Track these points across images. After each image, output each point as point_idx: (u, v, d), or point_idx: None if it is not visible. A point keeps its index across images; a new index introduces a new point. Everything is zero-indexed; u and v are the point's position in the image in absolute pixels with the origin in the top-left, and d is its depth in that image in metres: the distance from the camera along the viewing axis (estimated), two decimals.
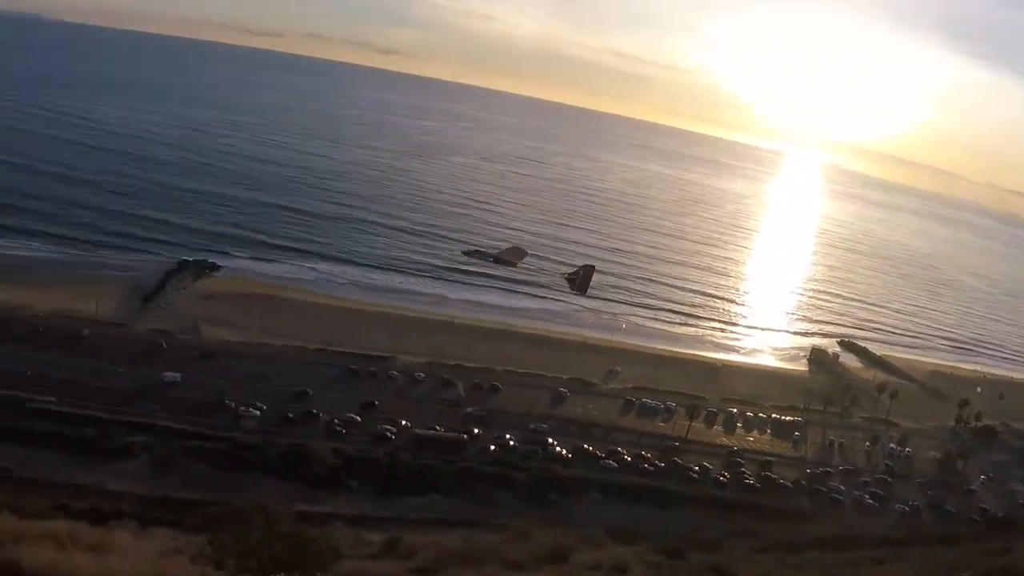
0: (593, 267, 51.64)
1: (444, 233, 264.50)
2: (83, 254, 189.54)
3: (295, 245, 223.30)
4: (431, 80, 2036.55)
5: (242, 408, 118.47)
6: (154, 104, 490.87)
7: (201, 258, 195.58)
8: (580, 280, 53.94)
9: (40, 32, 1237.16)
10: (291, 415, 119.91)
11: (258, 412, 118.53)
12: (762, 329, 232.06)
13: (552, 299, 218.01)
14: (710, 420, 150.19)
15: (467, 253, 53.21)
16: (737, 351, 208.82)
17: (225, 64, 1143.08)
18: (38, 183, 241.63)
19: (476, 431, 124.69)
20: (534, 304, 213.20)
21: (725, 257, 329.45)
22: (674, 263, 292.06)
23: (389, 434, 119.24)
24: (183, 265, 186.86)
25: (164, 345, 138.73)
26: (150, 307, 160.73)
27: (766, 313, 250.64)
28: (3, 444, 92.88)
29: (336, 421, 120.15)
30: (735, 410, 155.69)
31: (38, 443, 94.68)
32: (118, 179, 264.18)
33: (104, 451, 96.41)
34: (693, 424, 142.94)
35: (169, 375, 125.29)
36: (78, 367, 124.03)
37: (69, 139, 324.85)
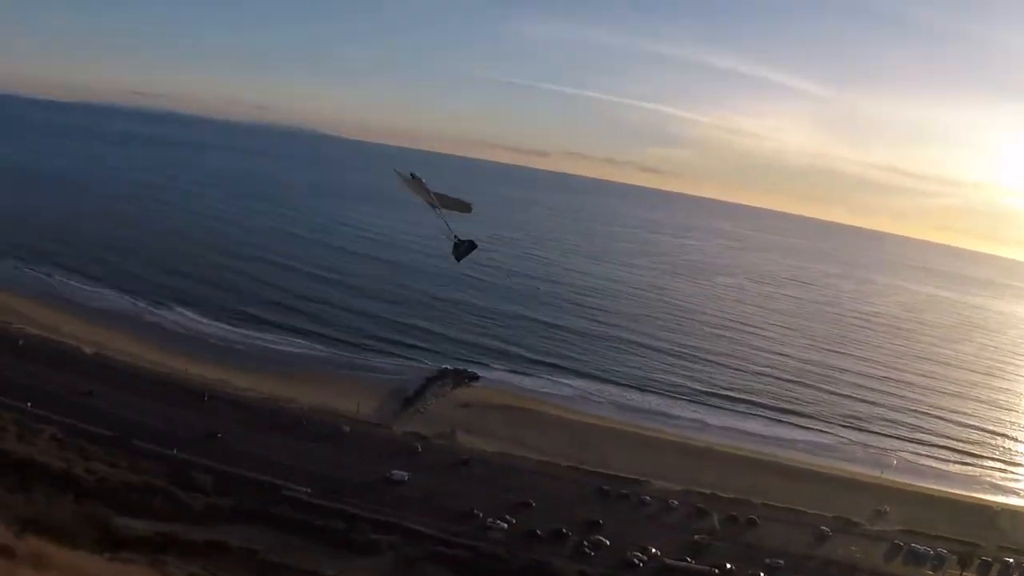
0: (476, 246, 50.69)
1: (705, 356, 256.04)
2: (349, 355, 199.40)
3: (553, 360, 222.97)
4: (695, 198, 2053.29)
5: (490, 519, 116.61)
6: (421, 216, 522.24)
7: (462, 367, 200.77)
8: (463, 249, 52.31)
9: (313, 145, 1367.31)
10: (539, 531, 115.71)
11: (505, 525, 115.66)
12: None
13: (819, 431, 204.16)
14: (984, 570, 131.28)
15: (410, 175, 48.19)
16: (1018, 494, 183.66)
17: (491, 180, 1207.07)
18: (310, 286, 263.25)
19: (728, 566, 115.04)
20: (799, 435, 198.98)
21: (1007, 389, 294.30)
22: (950, 395, 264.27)
23: (638, 561, 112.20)
24: (444, 373, 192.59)
25: (419, 449, 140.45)
26: (409, 411, 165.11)
27: None
28: (256, 527, 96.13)
29: (584, 542, 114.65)
30: (1012, 560, 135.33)
31: (289, 530, 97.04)
32: (384, 286, 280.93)
33: (351, 545, 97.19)
34: (965, 574, 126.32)
35: (397, 473, 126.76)
36: (335, 461, 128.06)
37: (339, 246, 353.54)
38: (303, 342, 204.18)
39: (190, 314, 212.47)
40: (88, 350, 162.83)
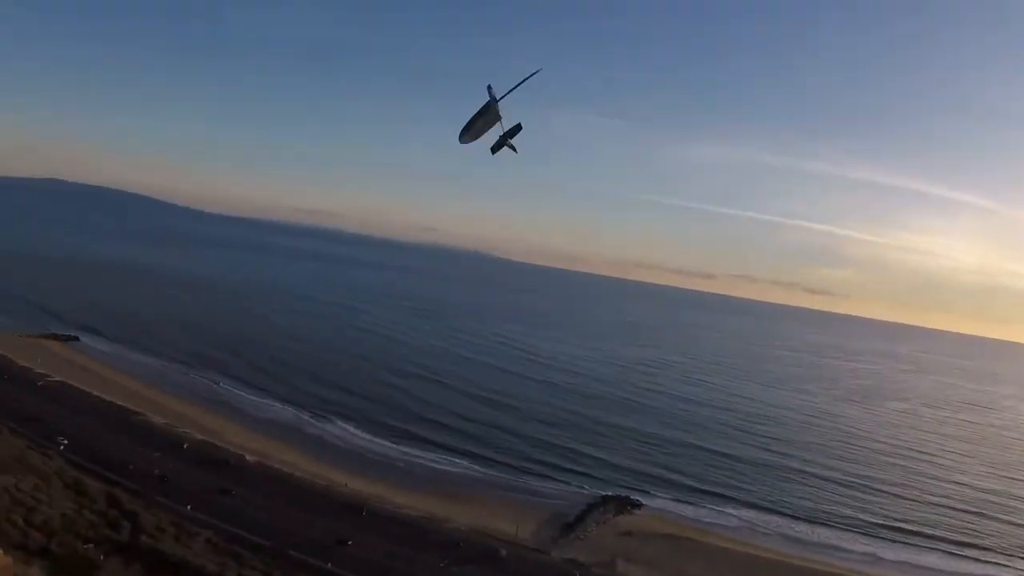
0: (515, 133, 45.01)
1: (878, 485, 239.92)
2: (508, 477, 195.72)
3: (719, 489, 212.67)
4: (865, 320, 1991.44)
5: None
6: (584, 339, 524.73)
7: (624, 494, 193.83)
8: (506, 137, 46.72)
9: (478, 266, 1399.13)
10: None
11: None
12: None
13: (1000, 564, 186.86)
14: None
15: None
16: None
17: (657, 304, 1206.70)
18: (471, 405, 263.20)
19: None
20: (978, 569, 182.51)
21: None
22: None
23: None
24: (605, 500, 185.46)
25: None
26: (569, 537, 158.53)
27: None
28: None
29: None
30: None
31: None
32: (548, 409, 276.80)
33: None
34: None
35: None
36: None
37: (501, 367, 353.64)
38: (463, 462, 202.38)
39: (351, 428, 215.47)
40: (250, 458, 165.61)
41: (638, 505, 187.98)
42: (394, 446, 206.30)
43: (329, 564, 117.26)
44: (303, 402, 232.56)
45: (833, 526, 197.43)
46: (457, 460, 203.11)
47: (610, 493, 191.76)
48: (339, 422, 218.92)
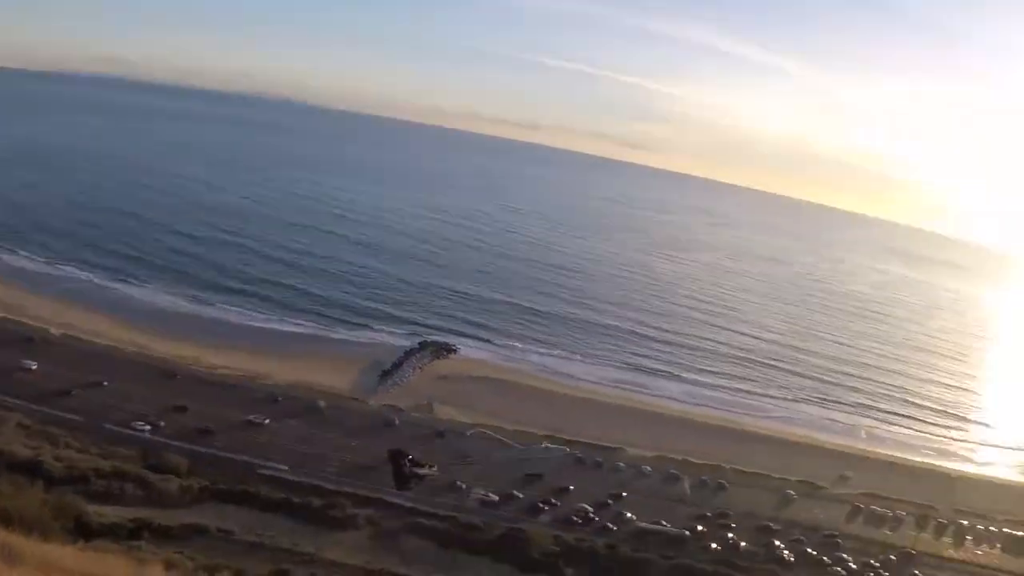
0: None
1: (685, 337, 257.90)
2: (325, 330, 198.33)
3: (532, 334, 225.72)
4: (674, 174, 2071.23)
5: (479, 492, 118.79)
6: (404, 191, 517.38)
7: (441, 340, 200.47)
8: None
9: (292, 116, 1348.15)
10: (522, 497, 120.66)
11: (487, 495, 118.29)
12: (1002, 444, 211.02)
13: (792, 400, 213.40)
14: (939, 531, 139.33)
15: None
16: (973, 462, 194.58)
17: (479, 153, 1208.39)
18: (289, 262, 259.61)
19: (699, 528, 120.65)
20: (770, 404, 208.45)
21: (966, 371, 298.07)
22: (914, 378, 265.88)
23: (612, 526, 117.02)
24: (423, 346, 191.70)
25: (396, 421, 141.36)
26: (387, 384, 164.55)
27: (1007, 425, 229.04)
28: (232, 507, 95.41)
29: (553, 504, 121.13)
30: (966, 522, 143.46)
31: (265, 508, 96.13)
32: (361, 267, 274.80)
33: (328, 521, 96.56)
34: (921, 535, 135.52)
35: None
36: (311, 438, 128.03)
37: (318, 223, 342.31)
38: (276, 318, 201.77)
39: (150, 291, 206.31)
40: (55, 331, 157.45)
41: (454, 350, 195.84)
42: (202, 306, 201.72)
43: (146, 432, 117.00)
44: (98, 268, 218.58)
45: (640, 369, 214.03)
46: (270, 316, 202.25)
47: (427, 339, 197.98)
48: (137, 286, 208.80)
